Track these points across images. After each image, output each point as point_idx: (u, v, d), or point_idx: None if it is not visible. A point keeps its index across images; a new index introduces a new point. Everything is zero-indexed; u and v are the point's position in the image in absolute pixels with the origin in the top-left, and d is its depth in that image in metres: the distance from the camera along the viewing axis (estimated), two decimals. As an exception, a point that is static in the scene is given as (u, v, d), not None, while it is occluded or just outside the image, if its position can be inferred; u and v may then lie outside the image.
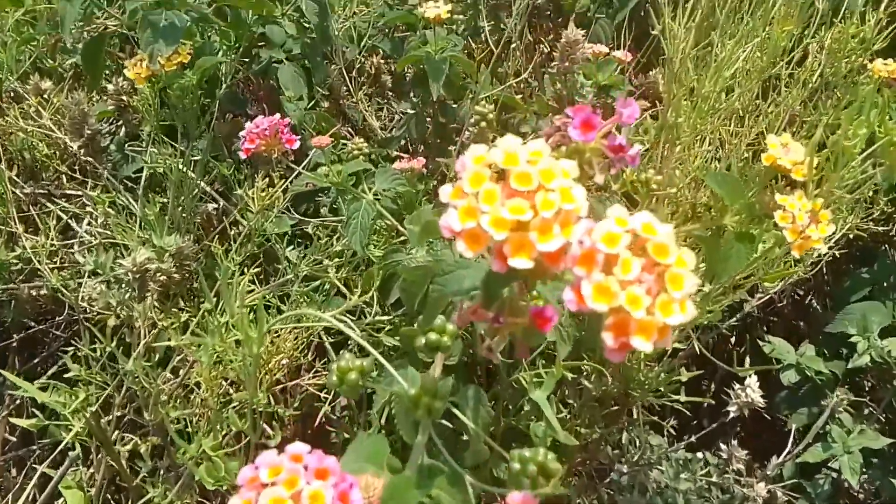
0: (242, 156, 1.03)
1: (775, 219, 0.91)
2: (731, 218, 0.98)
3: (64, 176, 1.78)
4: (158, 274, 1.31)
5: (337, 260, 1.26)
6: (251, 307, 0.89)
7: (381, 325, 1.23)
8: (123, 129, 1.84)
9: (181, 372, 1.36)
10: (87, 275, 1.45)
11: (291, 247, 1.46)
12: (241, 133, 1.03)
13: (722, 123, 1.37)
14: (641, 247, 0.48)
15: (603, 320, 0.47)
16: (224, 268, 1.19)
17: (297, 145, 1.04)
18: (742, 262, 0.92)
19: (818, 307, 1.99)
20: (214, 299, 1.30)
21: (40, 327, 1.76)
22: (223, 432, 1.19)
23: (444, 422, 1.01)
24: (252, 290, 1.26)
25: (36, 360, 1.79)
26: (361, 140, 1.13)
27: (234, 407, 1.30)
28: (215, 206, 1.70)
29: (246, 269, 1.29)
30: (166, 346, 1.32)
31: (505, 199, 0.48)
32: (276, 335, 1.41)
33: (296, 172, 1.09)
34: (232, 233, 1.39)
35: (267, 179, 1.23)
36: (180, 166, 1.38)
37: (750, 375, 1.14)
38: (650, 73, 1.58)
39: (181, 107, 1.40)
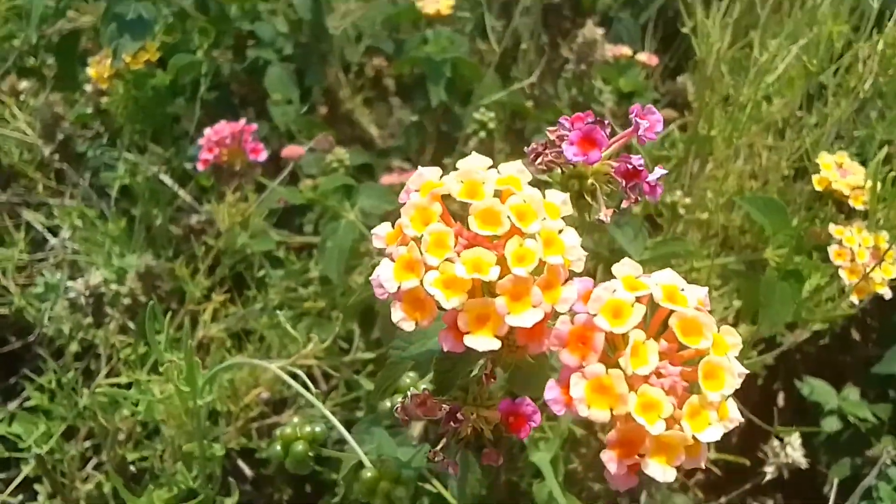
0: (200, 167, 0.88)
1: (829, 255, 0.75)
2: (774, 251, 0.82)
3: (41, 184, 1.66)
4: (121, 296, 1.17)
5: (314, 287, 1.10)
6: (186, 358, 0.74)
7: (364, 363, 1.07)
8: (106, 133, 1.72)
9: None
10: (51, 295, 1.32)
11: (271, 266, 1.31)
12: (200, 141, 0.88)
13: (760, 136, 1.21)
14: (662, 322, 0.32)
15: (602, 431, 0.31)
16: (189, 292, 1.04)
17: (264, 156, 0.89)
18: (788, 307, 0.76)
19: (859, 339, 1.81)
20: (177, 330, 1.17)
21: (19, 343, 1.64)
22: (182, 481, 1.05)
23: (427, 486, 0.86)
24: (221, 317, 1.12)
25: (13, 381, 1.68)
26: (343, 151, 0.98)
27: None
28: (199, 217, 1.57)
29: (214, 294, 1.14)
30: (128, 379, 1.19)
31: (462, 248, 0.32)
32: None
33: (270, 189, 0.94)
34: (202, 252, 1.25)
35: (238, 193, 1.09)
36: (149, 176, 1.24)
37: (791, 434, 0.97)
38: (678, 78, 1.41)
39: (153, 110, 1.26)
